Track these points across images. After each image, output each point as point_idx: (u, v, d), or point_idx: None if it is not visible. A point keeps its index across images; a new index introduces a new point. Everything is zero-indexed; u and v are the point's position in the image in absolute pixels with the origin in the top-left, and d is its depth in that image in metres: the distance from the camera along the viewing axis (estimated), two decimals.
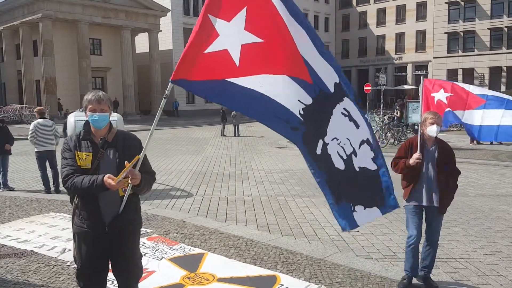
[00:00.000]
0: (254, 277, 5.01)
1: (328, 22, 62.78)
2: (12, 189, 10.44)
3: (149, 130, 3.28)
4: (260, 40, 3.31)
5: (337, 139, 3.49)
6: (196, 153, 17.92)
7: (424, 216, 4.78)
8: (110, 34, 42.03)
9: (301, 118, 3.42)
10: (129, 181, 3.10)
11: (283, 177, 12.13)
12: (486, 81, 47.54)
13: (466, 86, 5.42)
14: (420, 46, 54.14)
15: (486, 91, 5.54)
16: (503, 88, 44.62)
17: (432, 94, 5.28)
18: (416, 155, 4.58)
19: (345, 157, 3.50)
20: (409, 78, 54.66)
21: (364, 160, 3.57)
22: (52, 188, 10.30)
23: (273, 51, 3.35)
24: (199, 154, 17.46)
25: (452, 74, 50.12)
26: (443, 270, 5.42)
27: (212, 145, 20.88)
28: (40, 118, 10.30)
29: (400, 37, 56.25)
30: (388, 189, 3.65)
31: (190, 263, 5.47)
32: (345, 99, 3.59)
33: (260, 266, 5.33)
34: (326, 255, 5.74)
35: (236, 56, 3.25)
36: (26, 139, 12.85)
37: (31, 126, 10.25)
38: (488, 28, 47.41)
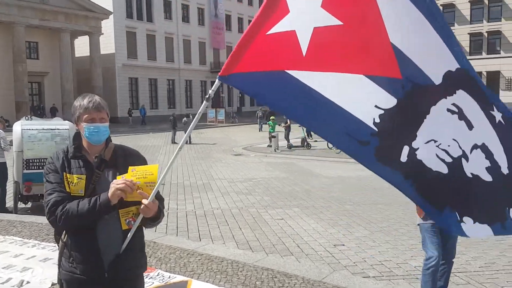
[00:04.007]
0: None
1: None
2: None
3: None
4: (338, 22, 2.57)
5: (436, 141, 2.75)
6: (147, 162, 16.95)
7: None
8: (48, 37, 39.80)
9: (375, 128, 2.66)
10: (140, 211, 2.47)
11: (249, 187, 11.58)
12: None
13: None
14: None
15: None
16: None
17: None
18: None
19: (449, 160, 2.75)
20: None
21: (477, 167, 2.82)
22: None
23: (352, 38, 2.61)
24: (151, 164, 16.52)
25: None
26: None
27: (164, 153, 19.95)
28: None
29: None
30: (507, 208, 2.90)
31: None
32: (460, 92, 2.80)
33: None
34: (323, 275, 5.25)
35: (304, 42, 2.53)
36: None
37: None
38: (468, 33, 47.77)
